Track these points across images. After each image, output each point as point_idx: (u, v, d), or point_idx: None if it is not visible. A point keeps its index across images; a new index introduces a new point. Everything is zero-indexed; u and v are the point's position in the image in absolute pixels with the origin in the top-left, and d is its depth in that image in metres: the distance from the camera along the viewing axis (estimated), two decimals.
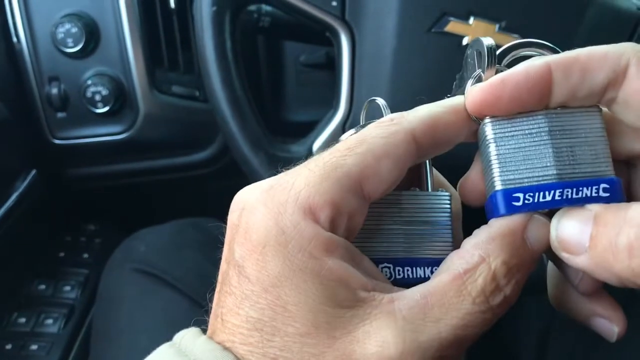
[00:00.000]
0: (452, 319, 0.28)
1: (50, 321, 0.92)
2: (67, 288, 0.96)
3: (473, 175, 0.33)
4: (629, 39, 0.64)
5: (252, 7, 0.81)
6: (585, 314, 0.32)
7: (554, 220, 0.29)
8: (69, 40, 0.86)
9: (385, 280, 0.31)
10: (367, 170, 0.29)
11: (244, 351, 0.28)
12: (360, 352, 0.27)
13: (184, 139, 0.97)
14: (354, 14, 0.64)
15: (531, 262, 0.29)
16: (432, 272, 0.31)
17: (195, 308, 0.71)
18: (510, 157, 0.29)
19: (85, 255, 1.03)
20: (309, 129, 0.71)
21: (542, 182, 0.29)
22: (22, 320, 0.92)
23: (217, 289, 0.31)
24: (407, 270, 0.31)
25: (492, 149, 0.30)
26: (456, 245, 0.31)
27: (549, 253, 0.30)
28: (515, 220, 0.29)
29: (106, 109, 0.88)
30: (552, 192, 0.29)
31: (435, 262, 0.31)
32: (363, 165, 0.29)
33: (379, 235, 0.31)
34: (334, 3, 0.64)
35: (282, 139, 0.70)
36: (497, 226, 0.29)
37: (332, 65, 0.70)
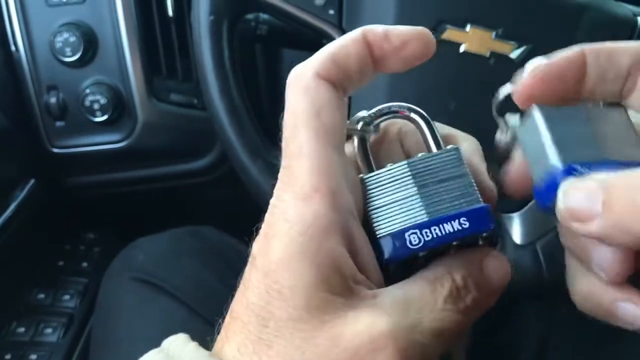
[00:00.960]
0: (431, 313, 0.29)
1: (49, 330, 0.91)
2: (67, 297, 0.96)
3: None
4: None
5: (250, 16, 0.81)
6: (609, 302, 0.32)
7: (560, 193, 0.29)
8: (67, 50, 0.86)
9: (376, 273, 0.31)
10: (320, 132, 0.30)
11: (241, 339, 0.29)
12: (350, 332, 0.27)
13: (183, 147, 0.97)
14: (351, 22, 0.64)
15: (487, 288, 0.31)
16: (460, 225, 0.30)
17: (193, 316, 0.70)
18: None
19: (85, 264, 1.03)
20: None
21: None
22: (21, 329, 0.91)
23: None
24: (435, 230, 0.30)
25: None
26: (484, 192, 0.32)
27: (571, 246, 0.32)
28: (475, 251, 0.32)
29: (105, 117, 0.88)
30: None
31: (463, 214, 0.31)
32: (312, 129, 0.30)
33: (396, 208, 0.31)
34: (331, 11, 0.64)
35: (280, 146, 0.70)
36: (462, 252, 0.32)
37: None
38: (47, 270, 1.00)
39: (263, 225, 0.31)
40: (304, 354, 0.27)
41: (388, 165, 0.32)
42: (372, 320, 0.28)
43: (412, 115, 0.35)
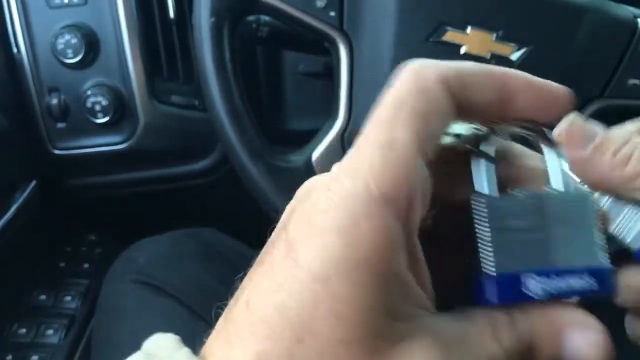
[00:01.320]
0: (481, 357, 0.25)
1: (50, 332, 0.91)
2: (68, 298, 0.96)
3: None
4: (626, 47, 0.64)
5: (251, 18, 0.81)
6: None
7: (565, 121, 0.30)
8: (69, 51, 0.86)
9: (430, 299, 0.27)
10: (422, 136, 0.25)
11: (264, 347, 0.24)
12: None
13: (184, 149, 0.97)
14: (352, 24, 0.64)
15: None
16: (587, 282, 0.27)
17: (194, 318, 0.71)
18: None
19: (86, 266, 1.03)
20: (308, 138, 0.71)
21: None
22: (23, 330, 0.91)
23: (250, 270, 0.27)
24: (557, 280, 0.27)
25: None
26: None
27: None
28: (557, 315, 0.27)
29: (106, 119, 0.88)
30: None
31: (589, 271, 0.27)
32: (415, 130, 0.25)
33: (515, 244, 0.27)
34: (332, 13, 0.64)
35: (281, 148, 0.70)
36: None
37: (330, 74, 0.70)
38: (48, 272, 1.00)
39: (306, 204, 0.26)
40: None
41: (516, 191, 0.28)
42: (429, 357, 0.24)
43: (546, 142, 0.30)
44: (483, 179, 0.28)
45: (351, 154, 0.26)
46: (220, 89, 0.66)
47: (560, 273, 0.27)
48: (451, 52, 0.62)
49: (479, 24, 0.61)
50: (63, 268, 1.02)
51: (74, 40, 0.86)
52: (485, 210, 0.27)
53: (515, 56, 0.62)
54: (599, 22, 0.63)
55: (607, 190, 0.30)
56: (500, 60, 0.61)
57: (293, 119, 1.04)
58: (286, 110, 1.04)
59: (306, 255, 0.24)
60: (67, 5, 0.87)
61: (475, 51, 0.61)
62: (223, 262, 0.81)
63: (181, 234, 0.85)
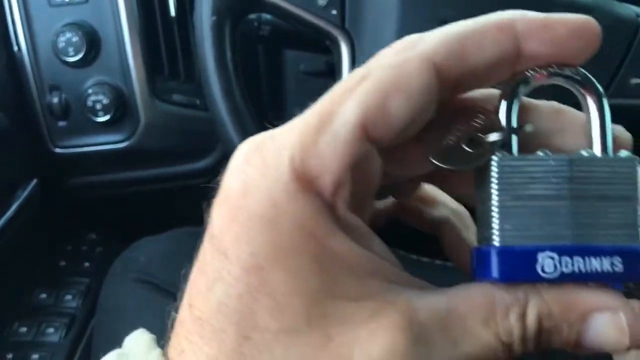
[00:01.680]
0: (471, 346, 0.23)
1: (51, 330, 0.91)
2: (68, 297, 0.96)
3: None
4: (629, 46, 0.64)
5: (252, 16, 0.81)
6: None
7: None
8: (70, 49, 0.86)
9: (400, 269, 0.25)
10: (371, 113, 0.23)
11: (214, 351, 0.22)
12: (359, 356, 0.21)
13: (185, 148, 0.97)
14: (354, 23, 0.64)
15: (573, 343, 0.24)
16: (612, 265, 0.23)
17: None
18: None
19: (87, 264, 1.03)
20: None
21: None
22: (23, 329, 0.91)
23: (192, 267, 0.25)
24: (578, 261, 0.23)
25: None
26: None
27: None
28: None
29: (107, 117, 0.88)
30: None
31: (618, 251, 0.23)
32: (365, 107, 0.23)
33: (535, 214, 0.23)
34: (334, 12, 0.64)
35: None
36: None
37: (332, 73, 0.69)
38: (48, 271, 1.00)
39: (225, 184, 0.24)
40: None
41: (540, 152, 0.24)
42: (391, 344, 0.22)
43: (587, 90, 0.25)
44: (498, 135, 0.25)
45: (288, 123, 0.24)
46: (221, 87, 0.66)
47: (582, 252, 0.23)
48: None
49: None
50: (64, 267, 1.02)
51: (75, 39, 0.85)
52: (497, 170, 0.24)
53: None
54: (601, 21, 0.63)
55: None
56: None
57: (294, 117, 1.03)
58: (287, 109, 1.04)
59: (232, 246, 0.22)
60: (68, 4, 0.87)
61: None
62: None
63: (182, 232, 0.85)
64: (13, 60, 0.88)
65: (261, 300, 0.22)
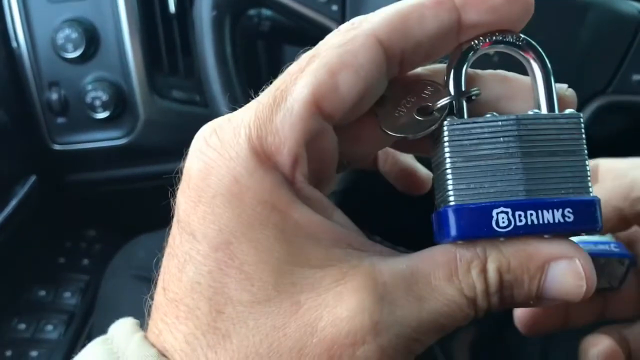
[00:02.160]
0: (436, 303, 0.23)
1: (50, 327, 0.91)
2: (68, 294, 0.96)
3: None
4: (630, 43, 0.64)
5: (252, 12, 0.81)
6: None
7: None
8: (69, 46, 0.86)
9: (362, 237, 0.25)
10: (322, 89, 0.24)
11: (189, 329, 0.23)
12: (328, 318, 0.22)
13: (184, 144, 0.96)
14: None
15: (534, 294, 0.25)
16: (563, 216, 0.24)
17: None
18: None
19: (86, 261, 1.02)
20: None
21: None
22: (22, 326, 0.91)
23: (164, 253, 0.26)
24: (532, 215, 0.24)
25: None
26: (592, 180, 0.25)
27: None
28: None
29: (106, 114, 0.88)
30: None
31: (568, 203, 0.24)
32: (316, 84, 0.24)
33: (487, 174, 0.24)
34: (334, 7, 0.64)
35: None
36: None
37: None
38: (47, 267, 1.00)
39: (186, 166, 0.25)
40: (271, 347, 0.22)
41: (488, 115, 0.25)
42: (357, 304, 0.22)
43: (529, 54, 0.27)
44: (446, 100, 0.26)
45: (247, 104, 0.25)
46: (221, 83, 0.66)
47: (535, 205, 0.24)
48: None
49: None
50: (62, 264, 1.02)
51: (74, 35, 0.85)
52: (448, 133, 0.25)
53: None
54: (603, 18, 0.63)
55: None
56: (503, 55, 0.61)
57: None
58: None
59: (199, 226, 0.24)
60: (67, 0, 0.87)
61: None
62: None
63: None
64: (12, 56, 0.88)
65: (231, 274, 0.23)
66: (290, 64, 0.25)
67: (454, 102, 0.26)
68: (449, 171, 0.24)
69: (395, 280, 0.23)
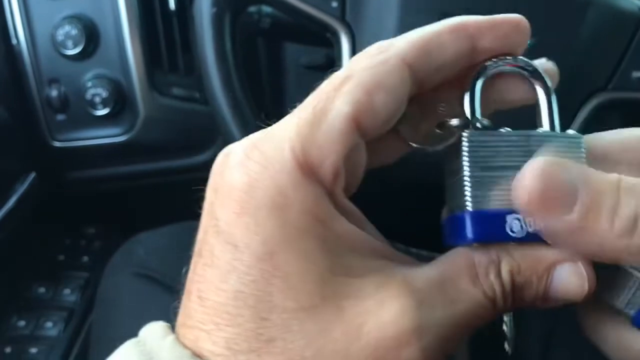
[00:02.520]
0: (466, 304, 0.25)
1: (50, 324, 0.91)
2: (67, 291, 0.96)
3: None
4: (630, 40, 0.64)
5: (252, 9, 0.81)
6: None
7: (536, 174, 0.25)
8: (69, 42, 0.85)
9: (391, 248, 0.27)
10: (360, 107, 0.25)
11: (230, 335, 0.24)
12: (372, 323, 0.24)
13: (184, 141, 0.96)
14: (354, 15, 0.64)
15: (541, 295, 0.27)
16: None
17: None
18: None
19: (85, 259, 1.03)
20: None
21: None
22: (22, 323, 0.91)
23: (192, 262, 0.27)
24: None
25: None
26: None
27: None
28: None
29: (106, 111, 0.88)
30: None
31: None
32: (354, 102, 0.25)
33: (502, 182, 0.26)
34: (334, 4, 0.64)
35: None
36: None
37: (332, 66, 0.69)
38: (47, 265, 1.00)
39: (226, 180, 0.26)
40: (318, 352, 0.23)
41: (503, 129, 0.28)
42: (400, 309, 0.24)
43: (535, 79, 0.30)
44: (458, 120, 0.28)
45: (280, 121, 0.27)
46: (221, 80, 0.66)
47: None
48: None
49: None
50: (62, 261, 1.02)
51: (74, 32, 0.85)
52: (467, 144, 0.27)
53: None
54: (603, 15, 0.63)
55: (607, 260, 0.26)
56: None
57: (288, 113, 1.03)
58: (287, 102, 1.03)
59: (243, 237, 0.24)
60: None
61: None
62: None
63: (181, 226, 0.85)
64: (12, 53, 0.88)
65: (275, 283, 0.24)
66: (321, 82, 0.27)
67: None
68: (466, 179, 0.26)
69: (428, 287, 0.25)
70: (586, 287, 0.26)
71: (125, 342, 0.27)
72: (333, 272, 0.24)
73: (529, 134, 0.27)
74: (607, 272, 0.27)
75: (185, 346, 0.25)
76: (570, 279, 0.26)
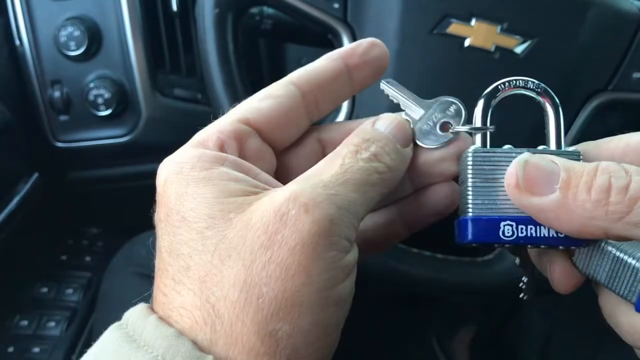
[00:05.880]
0: (337, 170, 0.31)
1: (52, 324, 0.92)
2: (70, 291, 0.96)
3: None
4: (631, 41, 0.64)
5: (254, 10, 0.81)
6: None
7: (519, 164, 0.30)
8: (72, 44, 0.86)
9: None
10: (249, 107, 0.35)
11: (163, 281, 0.29)
12: (256, 214, 0.28)
13: (186, 142, 0.96)
14: (356, 16, 0.64)
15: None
16: (557, 233, 0.30)
17: None
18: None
19: (88, 258, 1.03)
20: None
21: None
22: (25, 323, 0.92)
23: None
24: (531, 229, 0.30)
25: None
26: None
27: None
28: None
29: (109, 111, 0.88)
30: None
31: None
32: (246, 104, 0.35)
33: (499, 193, 0.31)
34: (336, 5, 0.64)
35: None
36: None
37: None
38: (50, 265, 1.01)
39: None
40: (223, 253, 0.28)
41: (506, 146, 0.32)
42: (273, 195, 0.29)
43: (545, 99, 0.33)
44: (465, 129, 0.34)
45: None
46: (223, 81, 0.66)
47: (534, 222, 0.30)
48: (455, 44, 0.62)
49: (483, 16, 0.61)
50: (65, 261, 1.02)
51: (76, 33, 0.85)
52: (471, 159, 0.31)
53: (519, 49, 0.61)
54: (604, 15, 0.63)
55: (594, 236, 0.29)
56: (505, 52, 0.61)
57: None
58: None
59: (159, 207, 0.32)
60: None
61: (479, 43, 0.61)
62: None
63: None
64: (15, 54, 0.88)
65: (181, 225, 0.30)
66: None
67: (476, 132, 0.33)
68: (469, 189, 0.31)
69: (297, 179, 0.31)
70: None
71: (109, 326, 0.30)
72: (217, 197, 0.29)
73: (529, 151, 0.31)
74: (610, 265, 0.29)
75: (170, 325, 0.28)
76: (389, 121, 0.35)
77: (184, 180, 0.30)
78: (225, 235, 0.28)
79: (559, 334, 0.68)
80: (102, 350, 0.29)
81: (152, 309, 0.30)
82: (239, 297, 0.27)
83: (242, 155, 0.33)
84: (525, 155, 0.30)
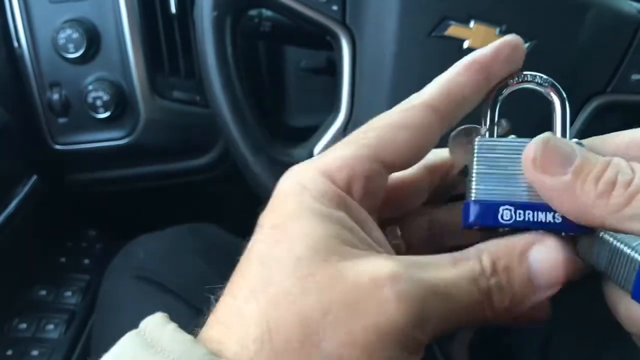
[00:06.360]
0: (444, 275, 0.29)
1: (51, 327, 0.91)
2: (68, 293, 0.96)
3: None
4: (630, 43, 0.64)
5: (253, 12, 0.81)
6: None
7: (539, 142, 0.30)
8: (70, 46, 0.86)
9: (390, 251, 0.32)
10: (384, 141, 0.31)
11: (237, 286, 0.29)
12: (351, 271, 0.27)
13: (185, 144, 0.97)
14: (355, 18, 0.64)
15: (522, 280, 0.30)
16: (554, 218, 0.31)
17: (194, 314, 0.70)
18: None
19: (86, 261, 1.03)
20: (310, 133, 0.71)
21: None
22: (23, 325, 0.91)
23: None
24: (529, 213, 0.31)
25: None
26: None
27: None
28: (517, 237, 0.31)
29: (107, 114, 0.88)
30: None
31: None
32: (380, 136, 0.31)
33: (501, 180, 0.32)
34: (335, 7, 0.64)
35: (283, 143, 0.70)
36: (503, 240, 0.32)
37: (332, 70, 0.69)
38: (48, 267, 1.00)
39: (271, 199, 0.32)
40: (304, 290, 0.27)
41: (511, 136, 0.33)
42: (376, 262, 0.28)
43: (551, 93, 0.34)
44: (487, 120, 0.34)
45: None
46: (222, 83, 0.66)
47: (532, 207, 0.31)
48: (454, 46, 0.62)
49: (482, 18, 0.61)
50: (63, 263, 1.02)
51: (75, 35, 0.85)
52: (477, 148, 0.33)
53: None
54: (603, 17, 0.63)
55: (592, 224, 0.29)
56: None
57: (295, 114, 1.04)
58: (288, 105, 1.04)
59: (267, 218, 0.30)
60: (68, 0, 0.87)
61: (478, 45, 0.61)
62: (224, 258, 0.81)
63: (182, 229, 0.85)
64: (13, 56, 0.88)
65: (282, 240, 0.29)
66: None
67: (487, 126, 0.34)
68: (474, 175, 0.32)
69: (407, 260, 0.29)
70: (561, 257, 0.30)
71: (126, 334, 0.30)
72: (328, 237, 0.28)
73: (532, 141, 0.31)
74: (608, 254, 0.30)
75: (185, 332, 0.28)
76: (546, 255, 0.30)
77: (302, 205, 0.29)
78: (313, 275, 0.27)
79: (559, 334, 0.68)
80: (118, 355, 0.29)
81: (169, 318, 0.30)
82: (297, 338, 0.26)
83: (365, 191, 0.31)
84: (549, 134, 0.31)
